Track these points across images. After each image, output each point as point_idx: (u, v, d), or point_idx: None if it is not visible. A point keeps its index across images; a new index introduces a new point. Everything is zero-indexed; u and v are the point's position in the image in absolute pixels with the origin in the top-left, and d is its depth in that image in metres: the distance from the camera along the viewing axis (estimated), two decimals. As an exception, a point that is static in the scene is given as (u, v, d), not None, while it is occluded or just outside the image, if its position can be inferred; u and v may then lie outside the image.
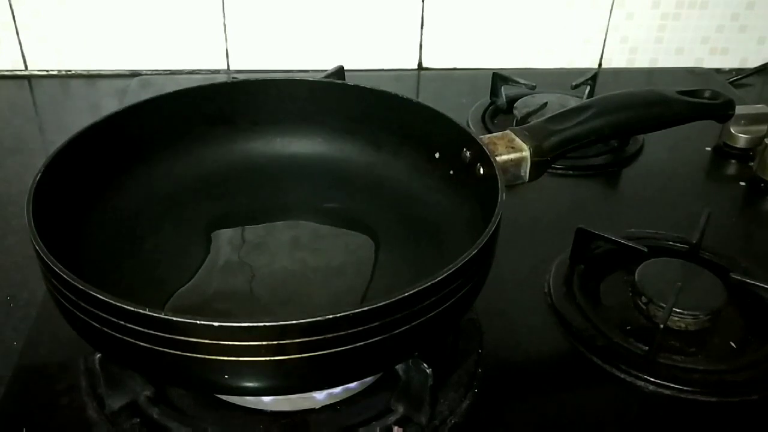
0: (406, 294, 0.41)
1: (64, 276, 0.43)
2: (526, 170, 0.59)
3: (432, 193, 0.63)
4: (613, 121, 0.62)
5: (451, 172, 0.61)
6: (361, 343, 0.42)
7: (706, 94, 0.68)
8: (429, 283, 0.42)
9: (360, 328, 0.41)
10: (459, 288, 0.45)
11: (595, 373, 0.56)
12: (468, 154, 0.59)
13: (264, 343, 0.40)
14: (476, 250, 0.45)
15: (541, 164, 0.59)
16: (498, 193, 0.51)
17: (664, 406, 0.54)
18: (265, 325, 0.40)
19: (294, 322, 0.40)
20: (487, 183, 0.53)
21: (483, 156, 0.56)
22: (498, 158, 0.56)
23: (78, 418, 0.51)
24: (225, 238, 0.60)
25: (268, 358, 0.41)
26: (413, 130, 0.64)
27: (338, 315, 0.40)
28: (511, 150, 0.58)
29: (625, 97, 0.65)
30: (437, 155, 0.63)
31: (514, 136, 0.59)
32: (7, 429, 0.50)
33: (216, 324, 0.40)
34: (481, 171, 0.56)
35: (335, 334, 0.41)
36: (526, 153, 0.58)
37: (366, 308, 0.41)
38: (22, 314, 0.59)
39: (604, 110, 0.62)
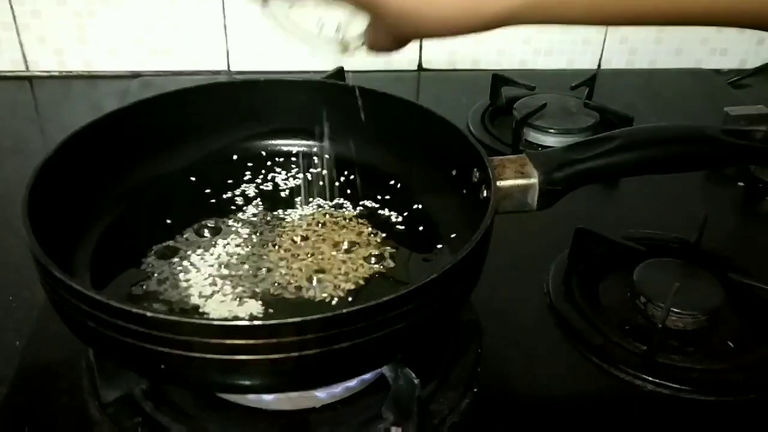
0: (383, 300, 0.42)
1: (62, 279, 0.43)
2: (533, 198, 0.56)
3: (443, 207, 0.62)
4: (639, 156, 0.56)
5: (464, 191, 0.59)
6: (347, 344, 0.43)
7: (758, 135, 0.58)
8: (404, 292, 0.43)
9: (344, 329, 0.42)
10: (435, 300, 0.45)
11: (594, 373, 0.56)
12: (477, 174, 0.57)
13: (259, 342, 0.41)
14: (437, 275, 0.45)
15: (551, 193, 0.56)
16: (487, 215, 0.49)
17: (662, 406, 0.54)
18: (255, 325, 0.41)
19: (287, 322, 0.41)
20: (486, 208, 0.51)
21: (487, 178, 0.54)
22: (502, 182, 0.54)
23: (80, 417, 0.51)
24: (227, 239, 0.60)
25: (261, 357, 0.42)
26: (434, 143, 0.63)
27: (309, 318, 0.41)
28: (519, 175, 0.55)
29: (657, 131, 0.59)
30: (454, 173, 0.61)
31: (527, 160, 0.56)
32: (10, 428, 0.50)
33: (212, 323, 0.41)
34: (484, 194, 0.55)
35: (321, 335, 0.42)
36: (534, 180, 0.55)
37: (346, 311, 0.42)
38: (24, 314, 0.59)
39: (631, 143, 0.57)
